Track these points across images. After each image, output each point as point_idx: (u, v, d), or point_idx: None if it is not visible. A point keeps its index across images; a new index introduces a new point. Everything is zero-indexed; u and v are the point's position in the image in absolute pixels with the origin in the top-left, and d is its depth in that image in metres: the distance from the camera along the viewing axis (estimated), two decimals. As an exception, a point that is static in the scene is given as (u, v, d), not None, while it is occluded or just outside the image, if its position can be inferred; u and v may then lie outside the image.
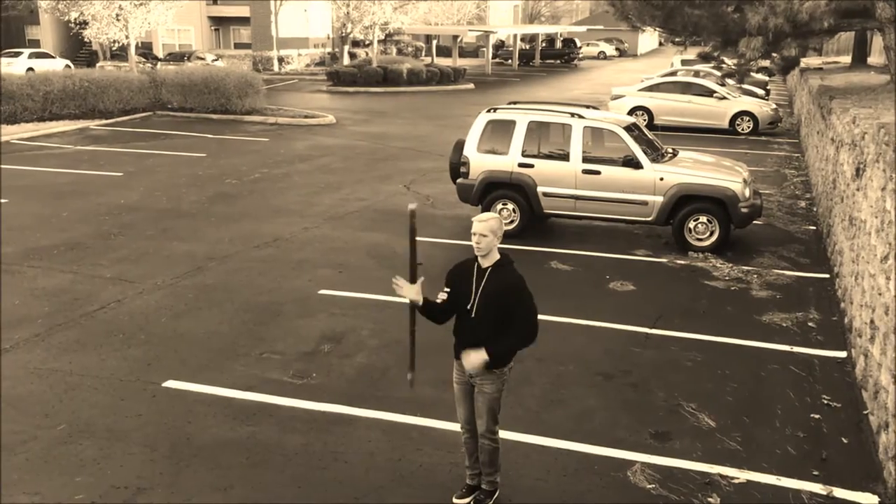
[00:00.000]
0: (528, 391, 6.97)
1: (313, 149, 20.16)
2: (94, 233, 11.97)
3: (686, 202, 11.11)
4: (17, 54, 39.51)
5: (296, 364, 7.48)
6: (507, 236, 11.64)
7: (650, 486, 5.54)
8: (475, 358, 4.83)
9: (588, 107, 12.64)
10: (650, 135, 12.39)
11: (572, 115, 11.69)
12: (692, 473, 5.71)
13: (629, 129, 11.70)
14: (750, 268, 10.51)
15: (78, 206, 13.67)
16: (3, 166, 17.18)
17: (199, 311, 8.91)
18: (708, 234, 11.11)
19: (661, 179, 11.16)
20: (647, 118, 23.55)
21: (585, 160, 11.50)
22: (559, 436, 6.20)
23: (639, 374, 7.35)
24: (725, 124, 23.15)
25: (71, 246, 11.25)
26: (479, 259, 4.94)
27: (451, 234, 12.11)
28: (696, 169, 11.46)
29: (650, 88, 24.39)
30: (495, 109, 12.17)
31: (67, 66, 39.45)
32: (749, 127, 23.02)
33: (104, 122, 23.81)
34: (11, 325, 8.38)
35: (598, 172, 11.41)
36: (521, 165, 11.71)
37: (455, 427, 5.54)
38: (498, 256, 4.94)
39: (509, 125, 11.87)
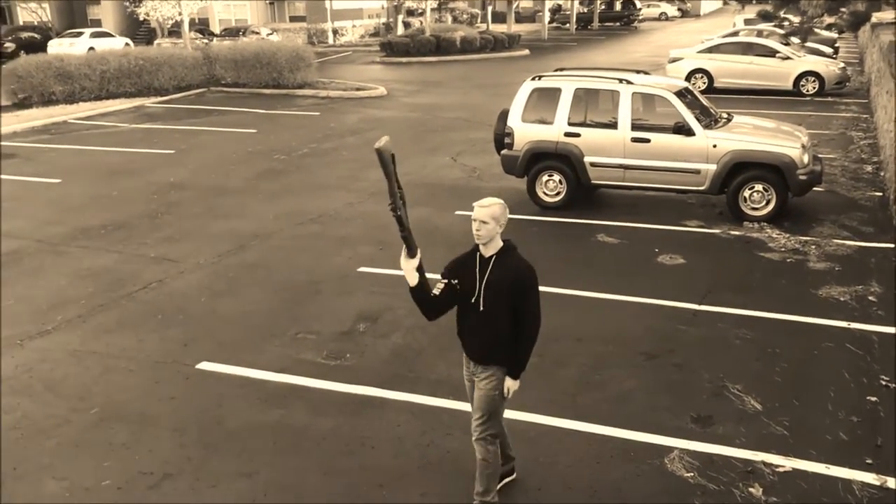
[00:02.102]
0: (564, 373, 6.73)
1: (363, 122, 20.04)
2: (141, 212, 12.07)
3: (741, 170, 10.61)
4: (79, 34, 40.21)
5: (330, 344, 7.38)
6: (554, 209, 11.42)
7: (688, 475, 5.27)
8: (512, 385, 4.67)
9: (639, 72, 12.18)
10: (704, 99, 11.86)
11: (620, 80, 11.25)
12: (734, 461, 5.41)
13: (681, 94, 11.21)
14: (808, 238, 10.01)
15: (129, 185, 13.82)
16: (60, 146, 17.51)
17: (239, 290, 8.88)
18: (764, 202, 10.60)
19: (714, 146, 10.67)
20: (706, 81, 22.77)
21: (634, 128, 11.06)
22: (595, 420, 5.96)
23: (683, 354, 7.04)
24: (789, 85, 22.16)
25: (118, 225, 11.36)
26: (481, 248, 4.59)
27: (497, 206, 11.82)
28: (751, 135, 10.93)
29: (710, 50, 23.51)
30: (540, 77, 11.79)
31: (127, 44, 40.05)
32: (814, 88, 22.01)
33: (159, 99, 24.07)
34: (56, 306, 8.48)
35: (647, 140, 10.98)
36: (567, 135, 11.34)
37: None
38: (501, 244, 4.58)
39: (555, 93, 11.49)
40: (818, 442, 5.62)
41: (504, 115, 11.96)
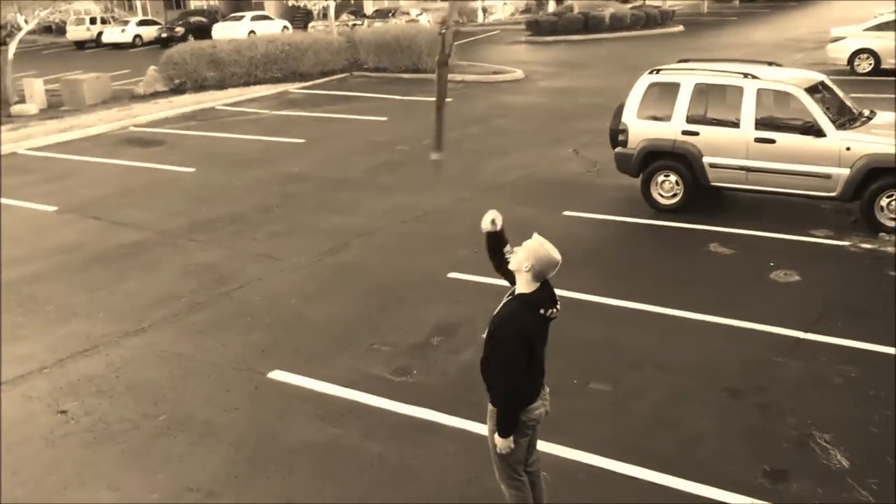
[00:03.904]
0: (636, 407, 6.30)
1: (493, 108, 19.75)
2: (258, 204, 12.42)
3: (877, 175, 9.55)
4: (241, 18, 42.19)
5: (401, 358, 7.28)
6: (669, 211, 10.78)
7: (743, 543, 4.78)
8: (497, 440, 4.47)
9: (770, 63, 11.23)
10: (843, 94, 10.75)
11: (745, 75, 10.38)
12: (800, 530, 4.86)
13: (813, 89, 10.21)
14: (952, 255, 8.90)
15: (254, 175, 14.28)
16: (203, 133, 18.40)
17: (329, 293, 8.95)
18: (904, 212, 9.53)
19: (848, 149, 9.65)
20: (872, 63, 20.77)
21: (758, 127, 10.19)
22: (657, 467, 5.52)
23: (773, 392, 6.41)
24: (972, 66, 19.86)
25: (234, 219, 11.75)
26: None
27: (611, 207, 11.31)
28: (891, 136, 9.81)
29: (878, 27, 21.40)
30: (658, 71, 11.10)
31: (285, 27, 41.61)
32: None
33: (303, 84, 24.74)
34: (158, 302, 8.86)
35: (772, 141, 10.09)
36: (685, 133, 10.62)
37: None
38: (521, 288, 4.38)
39: (673, 88, 10.79)
40: (907, 514, 4.95)
41: (619, 110, 11.38)
